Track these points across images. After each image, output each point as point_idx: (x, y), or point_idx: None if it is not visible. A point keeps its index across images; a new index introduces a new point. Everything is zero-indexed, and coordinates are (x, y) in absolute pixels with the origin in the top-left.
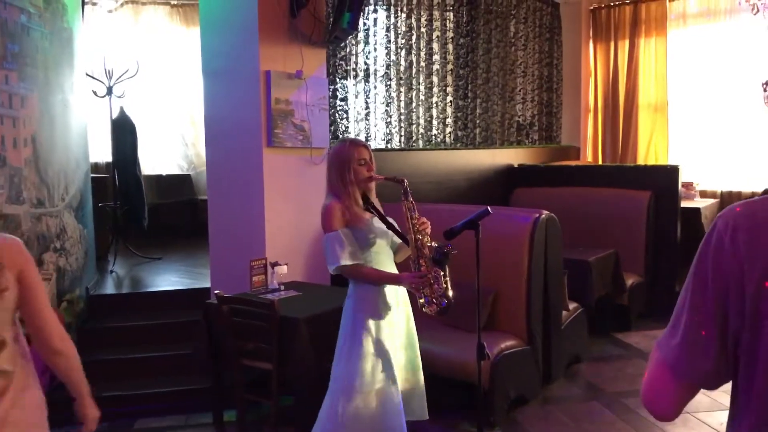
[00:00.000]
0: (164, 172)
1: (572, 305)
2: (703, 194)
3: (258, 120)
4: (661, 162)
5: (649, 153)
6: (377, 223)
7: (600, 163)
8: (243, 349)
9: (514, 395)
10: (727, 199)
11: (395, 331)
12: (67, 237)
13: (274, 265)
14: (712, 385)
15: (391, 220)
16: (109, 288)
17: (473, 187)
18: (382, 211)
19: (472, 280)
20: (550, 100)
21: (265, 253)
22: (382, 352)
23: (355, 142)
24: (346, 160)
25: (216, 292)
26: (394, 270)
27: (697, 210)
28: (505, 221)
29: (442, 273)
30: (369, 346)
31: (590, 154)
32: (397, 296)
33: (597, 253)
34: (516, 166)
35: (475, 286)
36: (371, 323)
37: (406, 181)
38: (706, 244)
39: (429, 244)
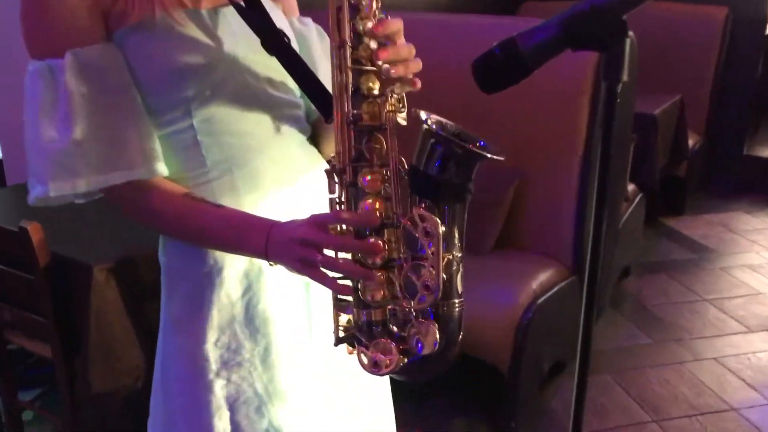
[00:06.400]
0: None
1: (630, 188)
2: None
3: None
4: None
5: None
6: (235, 25)
7: None
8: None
9: (549, 365)
10: None
11: (296, 373)
12: None
13: None
14: None
15: (294, 23)
16: None
17: None
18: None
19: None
20: None
21: None
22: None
23: None
24: None
25: None
26: (302, 179)
27: None
28: None
29: (429, 227)
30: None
31: None
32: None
33: (661, 103)
34: None
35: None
36: (208, 356)
37: None
38: None
39: (398, 114)
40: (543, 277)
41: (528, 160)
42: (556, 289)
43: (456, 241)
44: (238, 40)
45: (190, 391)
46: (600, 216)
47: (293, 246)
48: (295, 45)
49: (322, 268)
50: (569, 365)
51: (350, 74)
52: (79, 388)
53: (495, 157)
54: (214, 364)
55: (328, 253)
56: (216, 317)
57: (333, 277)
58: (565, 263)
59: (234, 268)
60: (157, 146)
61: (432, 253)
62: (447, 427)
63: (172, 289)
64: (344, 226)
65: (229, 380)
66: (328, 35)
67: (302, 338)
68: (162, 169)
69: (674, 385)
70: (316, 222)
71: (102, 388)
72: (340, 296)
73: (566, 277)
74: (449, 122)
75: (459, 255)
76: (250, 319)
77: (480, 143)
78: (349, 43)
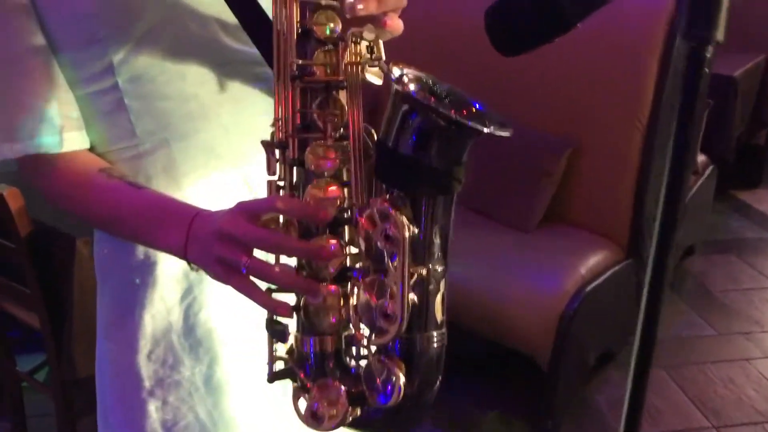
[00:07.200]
0: None
1: (699, 159)
2: None
3: None
4: None
5: None
6: None
7: None
8: None
9: (595, 357)
10: None
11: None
12: None
13: None
14: None
15: None
16: None
17: None
18: None
19: (530, 119)
20: None
21: None
22: None
23: None
24: None
25: None
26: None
27: None
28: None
29: (391, 230)
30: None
31: None
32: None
33: (743, 63)
34: None
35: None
36: (140, 371)
37: None
38: None
39: (367, 67)
40: (594, 259)
41: (583, 127)
42: (608, 274)
43: (436, 250)
44: None
45: (123, 408)
46: (674, 199)
47: (212, 242)
48: None
49: (250, 276)
50: (618, 355)
51: (297, 9)
52: (65, 370)
53: (496, 132)
54: (147, 381)
55: (262, 256)
56: (149, 324)
57: (266, 290)
58: (620, 243)
59: (170, 265)
60: (71, 111)
61: (395, 268)
62: (479, 423)
63: (102, 286)
64: (284, 219)
65: (165, 401)
66: None
67: (256, 355)
68: (75, 139)
69: (739, 386)
70: (244, 210)
71: (87, 371)
72: (276, 317)
73: (621, 260)
74: (434, 79)
75: (440, 269)
76: (191, 329)
77: (477, 108)
78: None
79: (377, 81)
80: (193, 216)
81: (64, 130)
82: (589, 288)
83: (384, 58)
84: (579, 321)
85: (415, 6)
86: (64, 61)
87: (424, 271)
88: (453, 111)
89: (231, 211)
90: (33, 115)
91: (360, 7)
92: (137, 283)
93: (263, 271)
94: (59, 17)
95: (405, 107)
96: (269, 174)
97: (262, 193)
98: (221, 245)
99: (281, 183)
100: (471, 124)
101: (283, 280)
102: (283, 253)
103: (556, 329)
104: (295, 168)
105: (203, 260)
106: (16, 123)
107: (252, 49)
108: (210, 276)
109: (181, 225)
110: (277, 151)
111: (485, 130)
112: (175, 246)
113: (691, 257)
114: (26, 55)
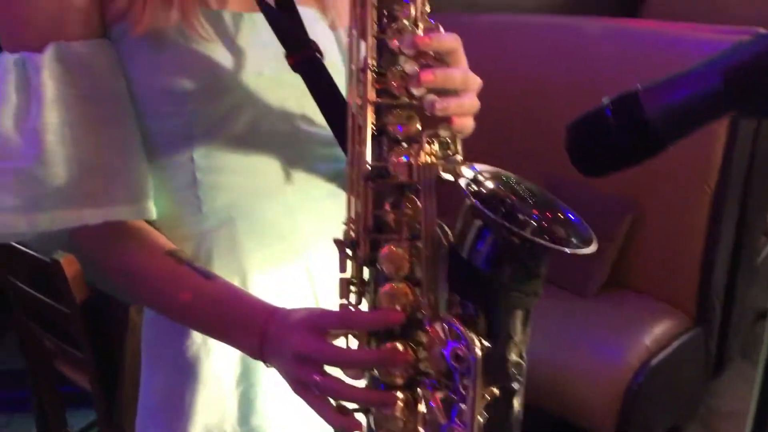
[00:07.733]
0: None
1: None
2: None
3: None
4: None
5: None
6: (266, 36)
7: None
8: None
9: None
10: None
11: None
12: None
13: None
14: None
15: (341, 37)
16: None
17: None
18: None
19: (591, 180)
20: None
21: None
22: None
23: None
24: None
25: None
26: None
27: None
28: (674, 62)
29: (462, 350)
30: None
31: None
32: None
33: None
34: None
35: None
36: None
37: None
38: None
39: (443, 164)
40: (659, 329)
41: (645, 190)
42: (675, 345)
43: (510, 366)
44: (268, 54)
45: None
46: None
47: (288, 361)
48: (339, 64)
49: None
50: (686, 429)
51: (371, 111)
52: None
53: (578, 252)
54: None
55: (335, 371)
56: (200, 413)
57: (337, 407)
58: (687, 311)
59: (226, 349)
60: (147, 180)
61: (464, 388)
62: None
63: (149, 369)
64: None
65: None
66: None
67: None
68: (150, 209)
69: None
70: (314, 327)
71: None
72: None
73: (688, 329)
74: (515, 178)
75: (516, 386)
76: (245, 417)
77: (562, 213)
78: (373, 65)
79: (452, 178)
80: (266, 319)
81: (142, 199)
82: (654, 361)
83: (460, 155)
84: (644, 396)
85: (476, 66)
86: (146, 130)
87: (496, 391)
88: (529, 228)
89: (302, 324)
90: (116, 181)
91: (440, 106)
92: (189, 368)
93: (337, 392)
94: (149, 90)
95: (479, 223)
96: (341, 272)
97: (319, 276)
98: (296, 366)
99: (354, 280)
100: (550, 245)
101: (357, 398)
102: (356, 367)
103: (619, 405)
104: (367, 267)
105: (283, 374)
106: (98, 188)
107: (326, 132)
108: (287, 372)
109: (255, 329)
110: (348, 250)
111: (566, 251)
112: (250, 350)
113: (764, 321)
114: (116, 120)
